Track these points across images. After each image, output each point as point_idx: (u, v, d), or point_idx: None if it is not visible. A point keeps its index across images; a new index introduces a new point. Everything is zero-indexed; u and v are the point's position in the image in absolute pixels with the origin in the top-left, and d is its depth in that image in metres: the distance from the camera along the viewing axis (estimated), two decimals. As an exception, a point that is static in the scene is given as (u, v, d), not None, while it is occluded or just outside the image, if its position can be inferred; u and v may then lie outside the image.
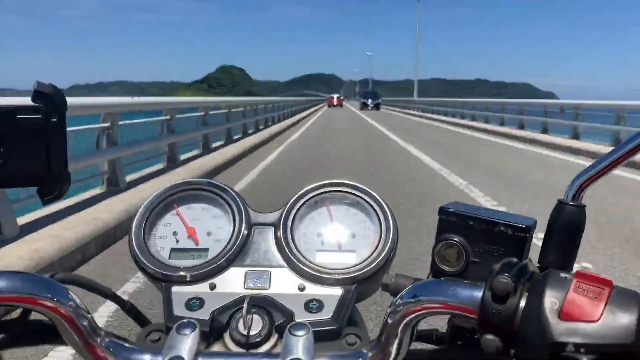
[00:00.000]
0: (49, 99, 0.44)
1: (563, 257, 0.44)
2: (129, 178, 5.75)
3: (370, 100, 46.44)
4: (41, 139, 0.45)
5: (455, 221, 0.48)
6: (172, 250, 0.58)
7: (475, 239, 0.47)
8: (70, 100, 3.93)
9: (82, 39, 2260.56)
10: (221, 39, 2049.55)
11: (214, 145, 9.88)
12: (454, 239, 0.47)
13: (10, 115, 0.43)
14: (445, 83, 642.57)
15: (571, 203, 0.44)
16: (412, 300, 0.44)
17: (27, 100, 0.45)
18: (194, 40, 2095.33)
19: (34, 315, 0.51)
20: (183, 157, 8.00)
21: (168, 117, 7.14)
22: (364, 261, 0.56)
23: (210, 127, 9.50)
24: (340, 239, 0.58)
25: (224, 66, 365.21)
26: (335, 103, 54.98)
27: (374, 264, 0.55)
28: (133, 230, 0.58)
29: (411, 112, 36.53)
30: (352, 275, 0.55)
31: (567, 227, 0.44)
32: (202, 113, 9.08)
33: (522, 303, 0.40)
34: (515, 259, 0.45)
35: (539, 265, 0.45)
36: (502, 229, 0.46)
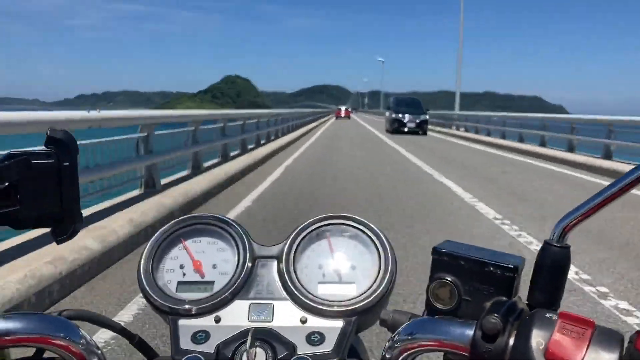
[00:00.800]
0: (61, 144, 0.47)
1: (549, 296, 0.46)
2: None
3: (408, 117, 23.68)
4: (54, 182, 0.47)
5: (448, 261, 0.50)
6: (179, 283, 0.60)
7: (466, 278, 0.49)
8: (107, 113, 4.99)
9: (89, 49, 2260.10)
10: (229, 50, 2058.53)
11: (206, 164, 8.77)
12: (447, 279, 0.49)
13: (25, 161, 0.46)
14: (452, 95, 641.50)
15: (556, 244, 0.46)
16: (409, 337, 0.47)
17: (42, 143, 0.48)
18: (201, 50, 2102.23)
19: (47, 354, 0.53)
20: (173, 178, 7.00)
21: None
22: (363, 293, 0.57)
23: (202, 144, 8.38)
24: (340, 270, 0.60)
25: (228, 76, 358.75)
26: (342, 115, 58.32)
27: (374, 295, 0.56)
28: (142, 264, 0.60)
29: (450, 131, 25.07)
30: (352, 307, 0.56)
31: (553, 267, 0.46)
32: (192, 127, 8.06)
33: (511, 342, 0.42)
34: (504, 298, 0.47)
35: (527, 302, 0.47)
36: (491, 269, 0.48)
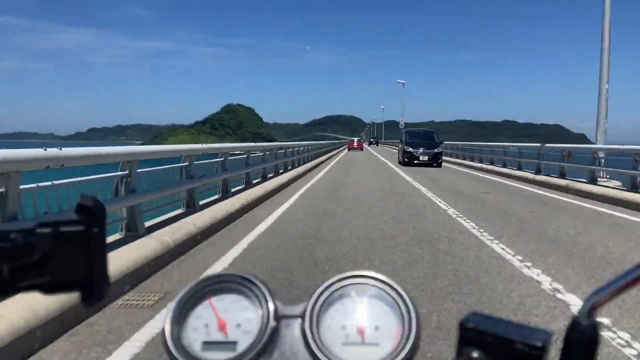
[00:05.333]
0: (90, 211, 0.48)
1: None
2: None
3: (422, 150, 22.92)
4: (84, 249, 0.48)
5: (474, 336, 0.49)
6: (204, 343, 0.60)
7: (493, 354, 0.48)
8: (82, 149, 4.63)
9: (105, 84, 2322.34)
10: (245, 83, 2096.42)
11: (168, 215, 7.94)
12: (474, 355, 0.48)
13: (55, 230, 0.47)
14: (472, 125, 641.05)
15: (585, 322, 0.46)
16: None
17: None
18: (216, 85, 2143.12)
19: None
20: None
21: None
22: (387, 356, 0.57)
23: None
24: (364, 331, 0.59)
25: (229, 105, 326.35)
26: (355, 146, 56.96)
27: (398, 359, 0.57)
28: (167, 325, 0.60)
29: (480, 166, 21.68)
30: None
31: (582, 344, 0.46)
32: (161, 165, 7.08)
33: None
34: None
35: None
36: (519, 347, 0.47)
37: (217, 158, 9.37)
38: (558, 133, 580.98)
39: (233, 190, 9.97)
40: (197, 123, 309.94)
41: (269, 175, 13.64)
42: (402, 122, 59.19)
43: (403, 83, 66.97)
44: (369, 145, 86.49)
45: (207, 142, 9.96)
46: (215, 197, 9.15)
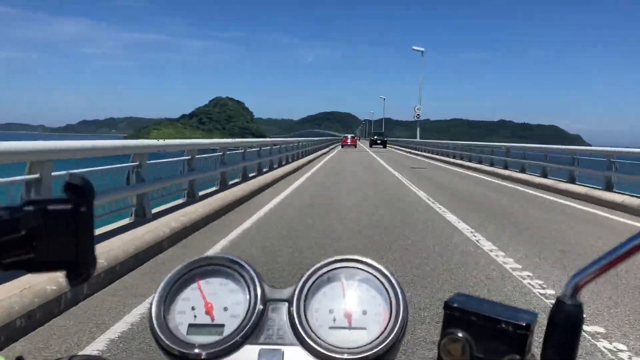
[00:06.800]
0: (79, 190, 0.48)
1: (563, 354, 0.47)
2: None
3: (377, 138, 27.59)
4: (71, 228, 0.48)
5: (460, 316, 0.50)
6: (190, 326, 0.60)
7: (478, 335, 0.49)
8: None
9: (98, 76, 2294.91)
10: (238, 78, 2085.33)
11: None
12: (459, 335, 0.49)
13: (42, 209, 0.47)
14: (467, 124, 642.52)
15: (569, 302, 0.47)
16: None
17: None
18: (209, 78, 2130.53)
19: None
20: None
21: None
22: (374, 340, 0.58)
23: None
24: (351, 315, 0.60)
25: (218, 98, 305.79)
26: (349, 142, 55.81)
27: (384, 343, 0.57)
28: (154, 307, 0.61)
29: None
30: (363, 355, 0.56)
31: (566, 324, 0.47)
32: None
33: None
34: (517, 356, 0.47)
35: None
36: (503, 326, 0.48)
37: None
38: (553, 134, 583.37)
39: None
40: (183, 116, 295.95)
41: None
42: (417, 110, 44.96)
43: (423, 51, 45.10)
44: (370, 146, 56.13)
45: (194, 137, 9.61)
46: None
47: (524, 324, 0.47)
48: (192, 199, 8.49)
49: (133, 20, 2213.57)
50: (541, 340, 0.48)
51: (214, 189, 10.15)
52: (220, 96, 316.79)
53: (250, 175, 12.99)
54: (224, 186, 10.48)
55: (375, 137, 58.95)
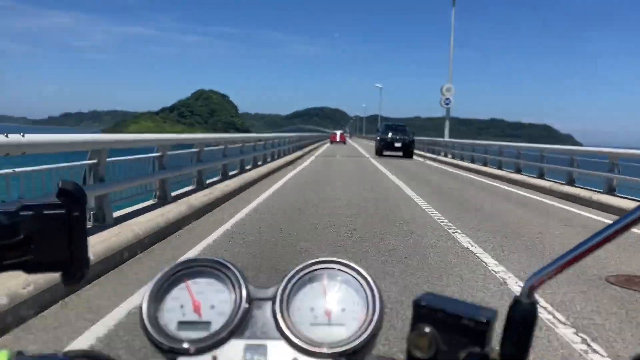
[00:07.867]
0: (71, 195, 0.51)
1: (518, 349, 0.52)
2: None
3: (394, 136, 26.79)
4: (64, 231, 0.51)
5: (427, 313, 0.55)
6: (179, 323, 0.63)
7: (443, 330, 0.54)
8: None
9: (86, 69, 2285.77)
10: (227, 70, 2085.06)
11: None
12: (426, 329, 0.54)
13: (37, 212, 0.50)
14: (457, 122, 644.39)
15: (525, 300, 0.52)
16: None
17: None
18: (197, 72, 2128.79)
19: None
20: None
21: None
22: (352, 335, 0.61)
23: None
24: (330, 313, 0.64)
25: (201, 91, 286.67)
26: (338, 139, 54.08)
27: (362, 338, 0.61)
28: (144, 306, 0.63)
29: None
30: (341, 349, 0.60)
31: (521, 322, 0.52)
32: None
33: None
34: (478, 349, 0.52)
35: (499, 353, 0.53)
36: (466, 322, 0.53)
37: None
38: (545, 133, 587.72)
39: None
40: (163, 110, 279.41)
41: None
42: (446, 93, 30.11)
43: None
44: (377, 153, 29.23)
45: (174, 132, 8.90)
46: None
47: (484, 320, 0.52)
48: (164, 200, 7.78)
49: (120, 13, 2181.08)
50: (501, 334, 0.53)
51: (190, 187, 9.58)
52: (204, 89, 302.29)
53: (208, 182, 10.65)
54: (200, 186, 9.94)
55: (389, 136, 28.93)
